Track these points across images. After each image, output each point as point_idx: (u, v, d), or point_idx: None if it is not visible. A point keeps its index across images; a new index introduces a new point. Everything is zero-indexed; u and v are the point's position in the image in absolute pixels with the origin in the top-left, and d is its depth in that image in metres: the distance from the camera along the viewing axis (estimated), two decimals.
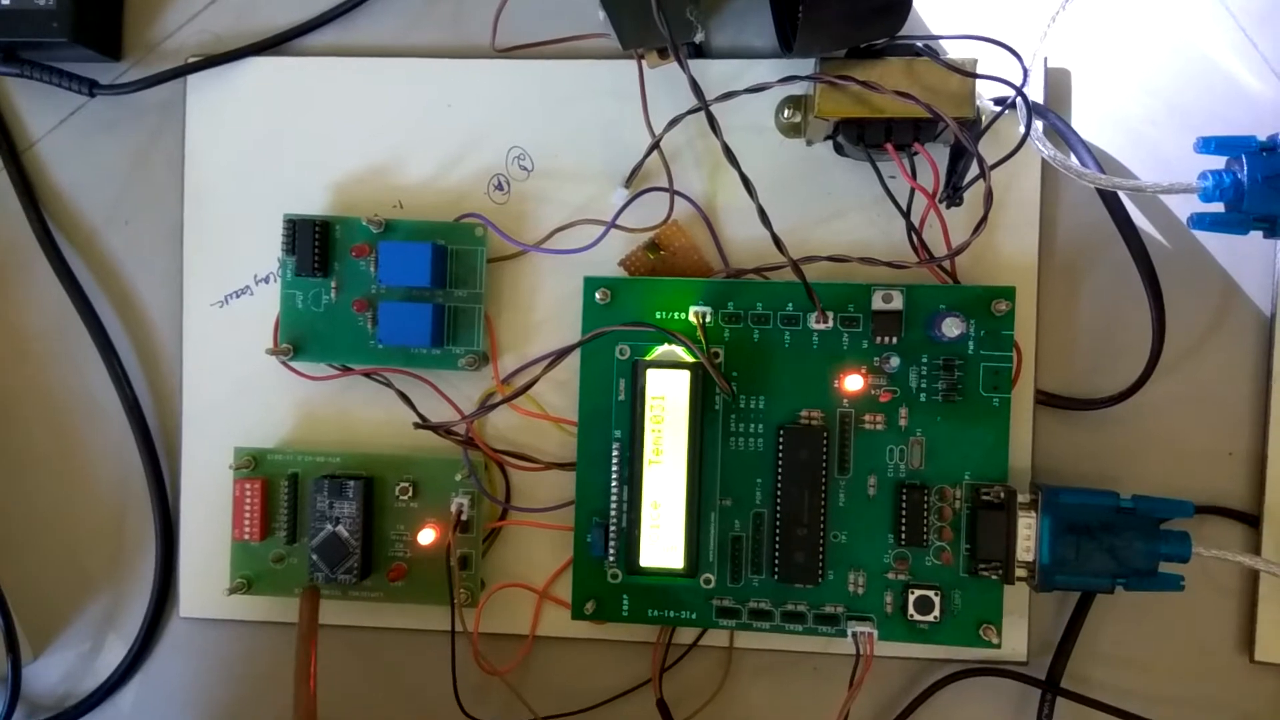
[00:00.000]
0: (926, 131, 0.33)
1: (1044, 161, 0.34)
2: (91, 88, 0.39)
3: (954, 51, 0.34)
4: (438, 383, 0.37)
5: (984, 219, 0.31)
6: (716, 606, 0.35)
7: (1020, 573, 0.33)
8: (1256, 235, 0.32)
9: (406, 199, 0.38)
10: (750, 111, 0.35)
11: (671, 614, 0.36)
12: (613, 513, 0.35)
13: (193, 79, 0.39)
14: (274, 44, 0.39)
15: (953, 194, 0.34)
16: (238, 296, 0.39)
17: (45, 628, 0.40)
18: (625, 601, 0.36)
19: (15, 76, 0.39)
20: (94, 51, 0.38)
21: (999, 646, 0.34)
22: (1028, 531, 0.33)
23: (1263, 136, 0.32)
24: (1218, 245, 0.36)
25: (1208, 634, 0.36)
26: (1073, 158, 0.34)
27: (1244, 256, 0.36)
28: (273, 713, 0.39)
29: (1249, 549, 0.35)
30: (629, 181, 0.36)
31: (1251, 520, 0.35)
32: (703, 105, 0.31)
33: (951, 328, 0.33)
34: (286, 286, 0.37)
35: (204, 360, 0.39)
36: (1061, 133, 0.35)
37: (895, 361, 0.34)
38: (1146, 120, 0.36)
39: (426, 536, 0.36)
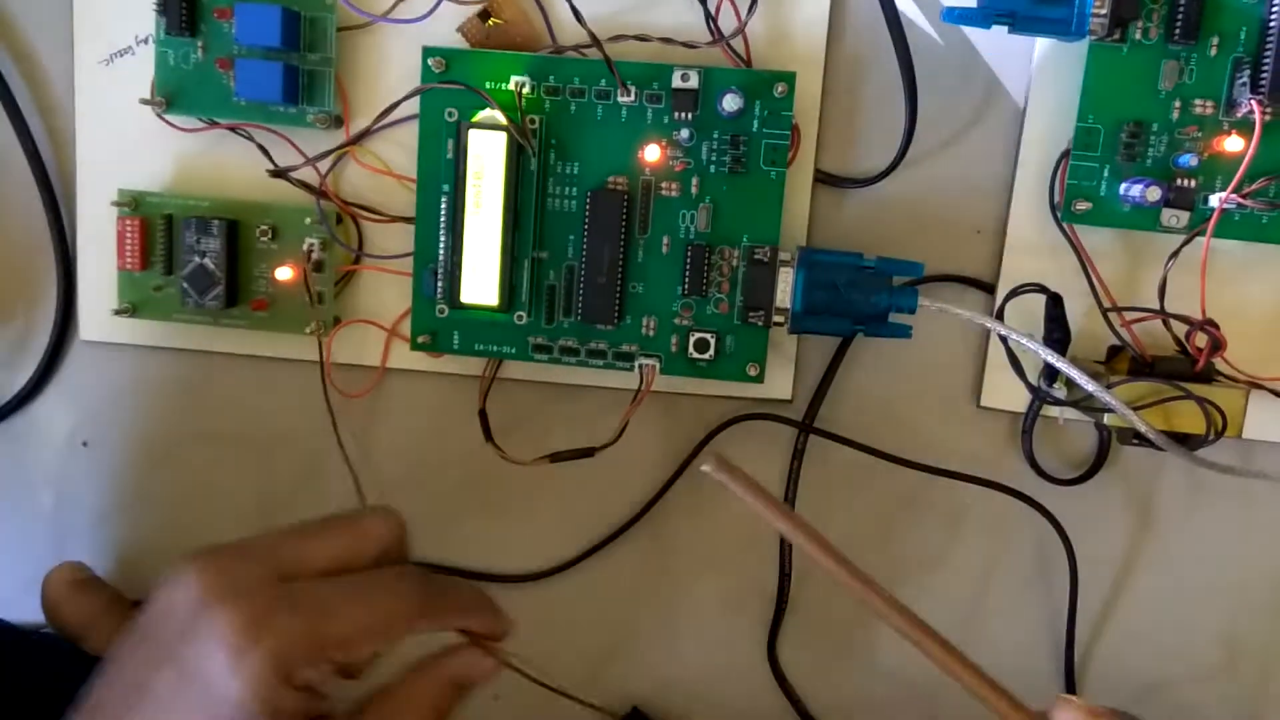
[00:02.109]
0: None
1: None
2: None
3: None
4: (293, 138, 0.42)
5: (753, 4, 0.36)
6: (532, 343, 0.42)
7: (778, 319, 0.39)
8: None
9: None
10: None
11: (494, 348, 0.42)
12: (440, 257, 0.40)
13: None
14: None
15: None
16: (121, 56, 0.43)
17: None
18: (455, 336, 0.42)
19: None
20: None
21: (761, 381, 0.41)
22: (785, 284, 0.39)
23: None
24: (986, 44, 0.40)
25: (944, 383, 0.43)
26: None
27: (1006, 54, 0.40)
28: (157, 429, 0.46)
29: (985, 312, 0.41)
30: None
31: (989, 288, 0.41)
32: None
33: (731, 103, 0.38)
34: (160, 45, 0.41)
35: (94, 112, 0.43)
36: None
37: (686, 134, 0.39)
38: None
39: (284, 273, 0.42)
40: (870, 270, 0.39)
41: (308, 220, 0.41)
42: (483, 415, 0.43)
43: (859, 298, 0.38)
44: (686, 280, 0.40)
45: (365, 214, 0.42)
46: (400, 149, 0.42)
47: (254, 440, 0.46)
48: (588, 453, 0.41)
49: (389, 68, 0.42)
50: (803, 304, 0.39)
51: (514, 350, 0.42)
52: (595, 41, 0.37)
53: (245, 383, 0.45)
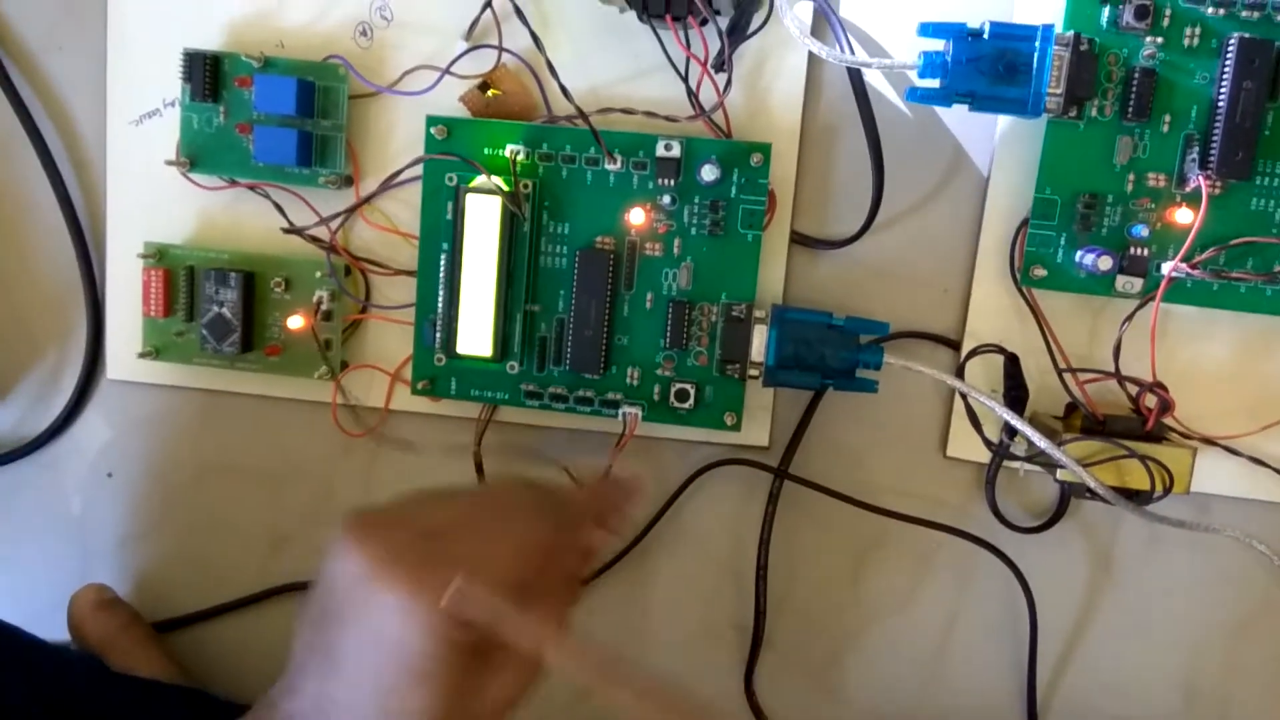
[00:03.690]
0: (702, 6, 0.40)
1: (807, 40, 0.41)
2: None
3: None
4: (306, 196, 0.45)
5: (729, 83, 0.38)
6: (524, 390, 0.44)
7: (753, 372, 0.42)
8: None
9: (287, 39, 0.45)
10: None
11: (488, 394, 0.45)
12: (439, 310, 0.43)
13: None
14: None
15: (723, 62, 0.41)
16: (150, 117, 0.46)
17: (3, 382, 0.50)
18: (453, 382, 0.45)
19: None
20: None
21: (738, 429, 0.43)
22: (759, 340, 0.41)
23: (974, 24, 0.38)
24: (951, 118, 0.43)
25: (912, 433, 0.45)
26: (830, 35, 0.41)
27: (971, 127, 0.43)
28: (176, 462, 0.49)
29: (952, 368, 0.43)
30: (468, 35, 0.43)
31: (954, 345, 0.44)
32: None
33: (709, 173, 0.41)
34: (185, 110, 0.44)
35: (123, 169, 0.47)
36: (823, 10, 0.41)
37: (667, 200, 0.42)
38: (905, 4, 0.42)
39: (295, 322, 0.45)
40: (839, 328, 0.41)
41: (319, 274, 0.45)
42: (476, 456, 0.46)
43: (828, 353, 0.41)
44: (668, 334, 0.43)
45: (372, 267, 0.45)
46: (405, 206, 0.45)
47: (266, 474, 0.49)
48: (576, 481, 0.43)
49: (396, 132, 0.45)
50: (775, 358, 0.41)
51: (506, 396, 0.45)
52: (582, 115, 0.40)
53: (258, 421, 0.48)
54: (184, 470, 0.49)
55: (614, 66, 0.43)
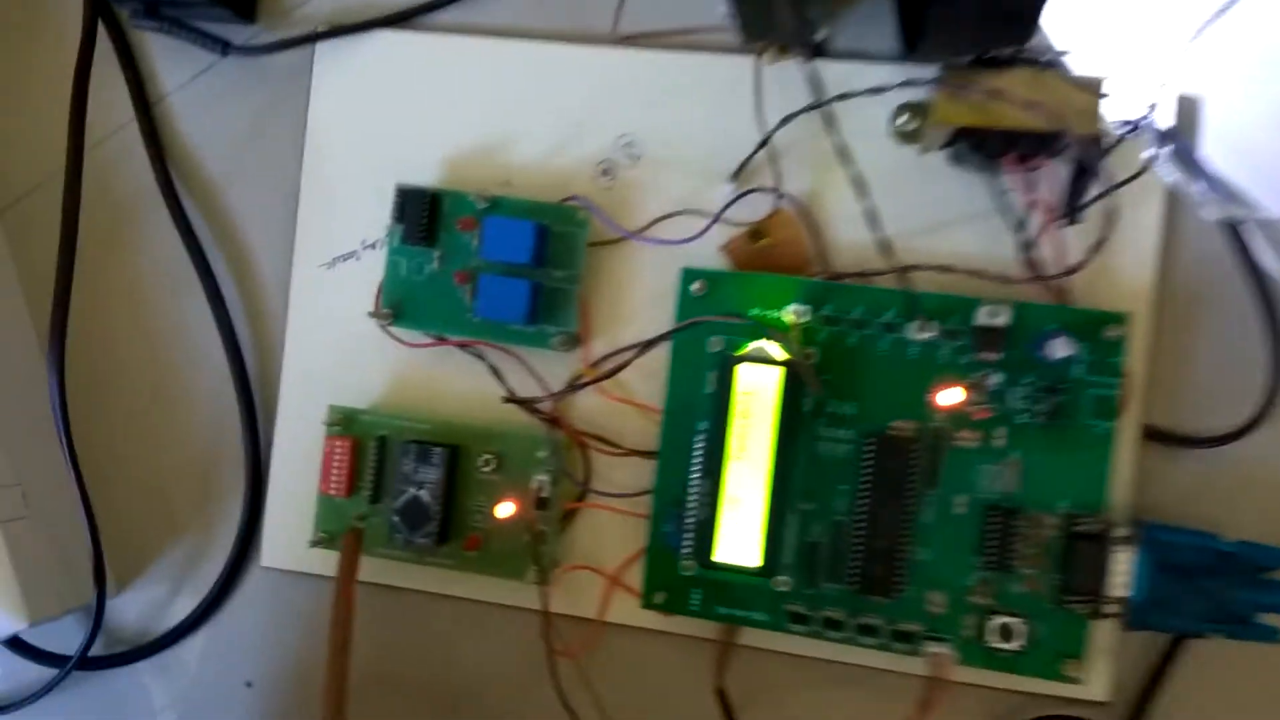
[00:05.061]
0: (1046, 148, 0.32)
1: (1167, 189, 0.33)
2: (224, 47, 0.40)
3: (1082, 69, 0.33)
4: (529, 360, 0.37)
5: (1104, 238, 0.30)
6: (789, 611, 0.35)
7: (1110, 609, 0.32)
8: None
9: (515, 178, 0.38)
10: (864, 117, 0.34)
11: (741, 614, 0.35)
12: (691, 504, 0.34)
13: (321, 46, 0.40)
14: (401, 18, 0.39)
15: (1071, 213, 0.33)
16: (344, 260, 0.40)
17: (131, 563, 0.42)
18: (696, 596, 0.36)
19: (154, 31, 0.40)
20: (230, 12, 0.40)
21: (1082, 683, 0.33)
22: (1123, 566, 0.32)
23: None
24: None
25: None
26: (1198, 186, 0.33)
27: None
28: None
29: None
30: (735, 176, 0.36)
31: None
32: (821, 103, 0.31)
33: (1061, 348, 0.32)
34: (393, 253, 0.37)
35: (307, 319, 0.40)
36: (1188, 159, 0.34)
37: (996, 379, 0.33)
38: (1277, 153, 0.35)
39: (505, 510, 0.36)
40: (1230, 555, 0.31)
41: (540, 453, 0.36)
42: (721, 696, 0.36)
43: (1217, 589, 0.31)
44: (986, 550, 0.34)
45: (600, 445, 0.37)
46: (638, 372, 0.37)
47: (441, 691, 0.39)
48: None
49: (635, 287, 0.37)
50: (1144, 593, 0.31)
51: (766, 618, 0.35)
52: (900, 268, 0.32)
53: (438, 627, 0.39)
54: None
55: (911, 216, 0.36)
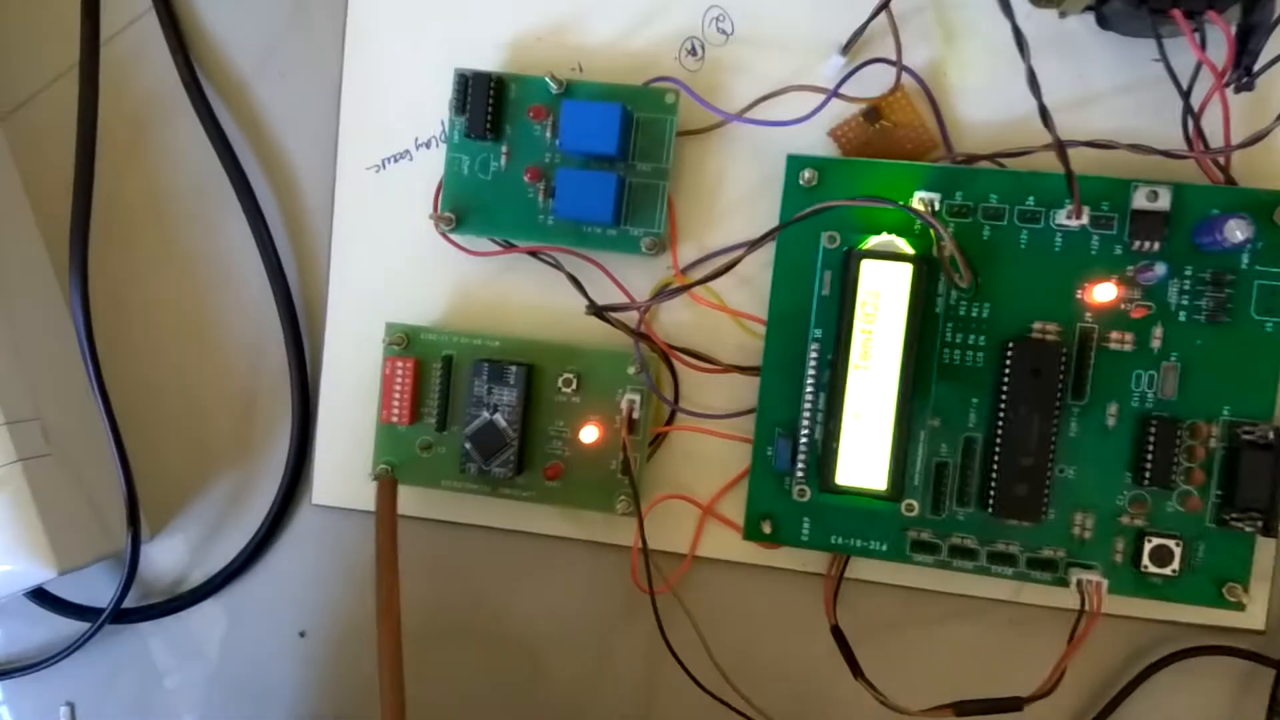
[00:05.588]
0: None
1: None
2: None
3: None
4: (609, 266, 0.33)
5: None
6: (912, 539, 0.31)
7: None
8: None
9: (587, 61, 0.34)
10: None
11: (859, 543, 0.32)
12: (804, 423, 0.31)
13: None
14: None
15: (1244, 75, 0.29)
16: (395, 161, 0.35)
17: (167, 506, 0.38)
18: (806, 524, 0.32)
19: None
20: None
21: (1244, 609, 0.30)
22: None
23: None
24: None
25: None
26: None
27: None
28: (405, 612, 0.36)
29: None
30: (846, 49, 0.32)
31: None
32: None
33: (1236, 231, 0.28)
34: (453, 150, 0.33)
35: (355, 228, 0.35)
36: None
37: (1160, 270, 0.29)
38: None
39: (589, 434, 0.32)
40: None
41: (630, 369, 0.32)
42: (837, 633, 0.32)
43: None
44: (1144, 465, 0.30)
45: (693, 361, 0.33)
46: (730, 279, 0.32)
47: (516, 640, 0.36)
48: (1013, 704, 0.29)
49: (728, 181, 0.33)
50: None
51: (887, 548, 0.31)
52: (1058, 143, 0.27)
53: (516, 566, 0.35)
54: (406, 632, 0.36)
55: (1052, 89, 0.31)
